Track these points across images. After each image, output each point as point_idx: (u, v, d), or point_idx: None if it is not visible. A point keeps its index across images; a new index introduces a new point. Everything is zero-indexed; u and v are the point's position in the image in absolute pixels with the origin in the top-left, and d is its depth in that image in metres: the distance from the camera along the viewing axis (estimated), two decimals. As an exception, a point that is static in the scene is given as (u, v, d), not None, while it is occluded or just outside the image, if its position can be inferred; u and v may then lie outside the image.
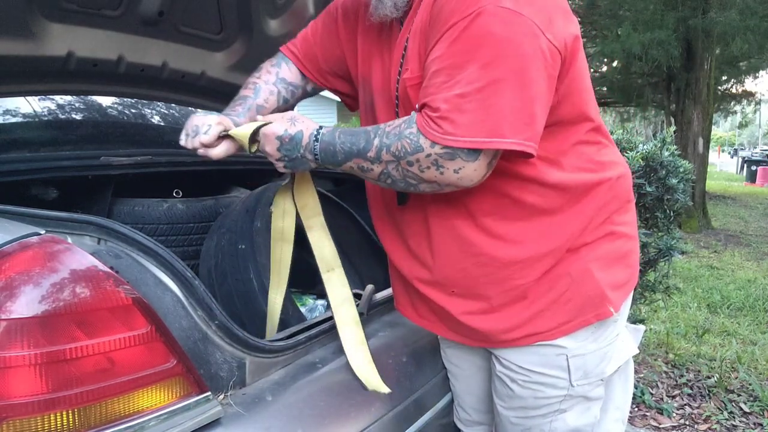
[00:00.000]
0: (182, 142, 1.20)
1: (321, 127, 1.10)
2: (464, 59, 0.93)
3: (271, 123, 1.12)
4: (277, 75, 1.34)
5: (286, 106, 1.35)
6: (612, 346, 1.19)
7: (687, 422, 2.57)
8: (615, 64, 9.39)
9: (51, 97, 1.99)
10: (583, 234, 1.11)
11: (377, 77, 1.18)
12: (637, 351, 1.33)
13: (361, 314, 1.33)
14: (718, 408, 2.67)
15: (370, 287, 1.48)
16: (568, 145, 1.09)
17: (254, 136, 1.13)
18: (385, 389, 1.22)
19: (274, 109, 1.32)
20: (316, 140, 1.08)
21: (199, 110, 1.18)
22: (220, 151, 1.18)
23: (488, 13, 0.91)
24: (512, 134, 0.92)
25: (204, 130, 1.16)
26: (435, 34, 0.98)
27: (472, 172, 0.96)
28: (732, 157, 32.54)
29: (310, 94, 1.42)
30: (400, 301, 1.32)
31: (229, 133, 1.16)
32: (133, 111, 2.26)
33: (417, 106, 1.01)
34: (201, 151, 1.19)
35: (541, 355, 1.13)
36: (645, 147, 2.48)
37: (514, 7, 0.92)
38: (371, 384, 1.21)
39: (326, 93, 1.46)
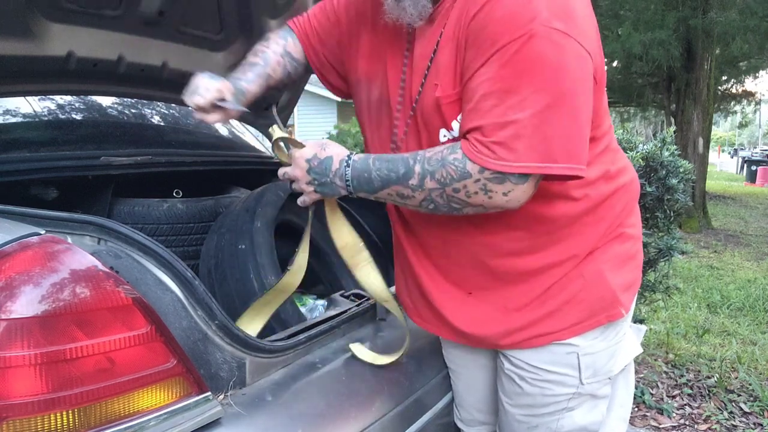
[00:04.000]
0: (183, 96, 1.19)
1: (352, 154, 1.09)
2: (516, 83, 0.91)
3: (304, 147, 1.10)
4: (284, 47, 1.32)
5: (287, 80, 1.34)
6: (620, 345, 1.20)
7: (687, 422, 2.56)
8: (615, 64, 9.38)
9: (51, 97, 1.99)
10: (599, 239, 1.13)
11: (392, 83, 1.15)
12: (641, 350, 1.34)
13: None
14: (718, 408, 2.67)
15: None
16: (592, 157, 1.09)
17: (281, 142, 1.14)
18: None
19: (278, 81, 1.31)
20: (347, 166, 1.07)
21: (206, 73, 1.21)
22: (214, 117, 1.18)
23: (540, 36, 0.89)
24: (564, 159, 0.92)
25: (200, 92, 1.15)
26: (479, 54, 0.95)
27: (521, 194, 0.96)
28: (732, 157, 32.53)
29: (303, 75, 1.39)
30: (406, 304, 1.32)
31: (227, 103, 1.16)
32: (133, 111, 2.26)
33: (461, 129, 0.99)
34: (197, 114, 1.18)
35: (551, 353, 1.13)
36: (645, 147, 2.48)
37: (565, 29, 0.90)
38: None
39: (327, 93, 1.46)
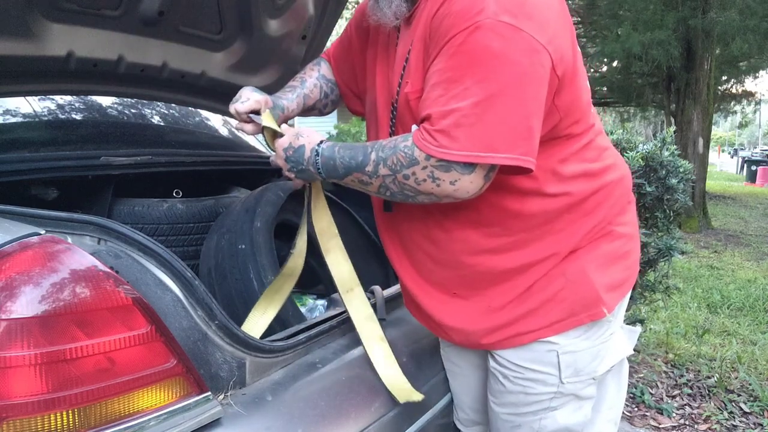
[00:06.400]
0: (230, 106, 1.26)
1: (322, 142, 1.12)
2: (461, 73, 0.93)
3: (283, 135, 1.17)
4: (318, 71, 1.43)
5: (326, 100, 1.43)
6: (605, 345, 1.19)
7: (687, 422, 2.57)
8: (615, 64, 9.39)
9: (51, 97, 1.99)
10: (583, 238, 1.12)
11: (380, 86, 1.19)
12: (632, 352, 1.33)
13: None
14: (718, 408, 2.67)
15: (378, 291, 1.47)
16: (569, 153, 1.10)
17: (273, 134, 1.21)
18: (419, 396, 1.23)
19: (317, 100, 1.41)
20: (317, 155, 1.11)
21: (252, 87, 1.29)
22: (250, 128, 1.24)
23: (486, 28, 0.91)
24: (507, 149, 0.93)
25: (242, 101, 1.23)
26: (435, 47, 0.98)
27: (468, 184, 0.97)
28: (732, 157, 32.54)
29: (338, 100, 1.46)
30: (406, 301, 1.33)
31: (260, 118, 1.21)
32: (133, 111, 2.26)
33: (418, 118, 1.02)
34: (236, 123, 1.26)
35: (532, 351, 1.14)
36: (645, 147, 2.48)
37: (513, 22, 0.91)
38: (404, 396, 1.22)
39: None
